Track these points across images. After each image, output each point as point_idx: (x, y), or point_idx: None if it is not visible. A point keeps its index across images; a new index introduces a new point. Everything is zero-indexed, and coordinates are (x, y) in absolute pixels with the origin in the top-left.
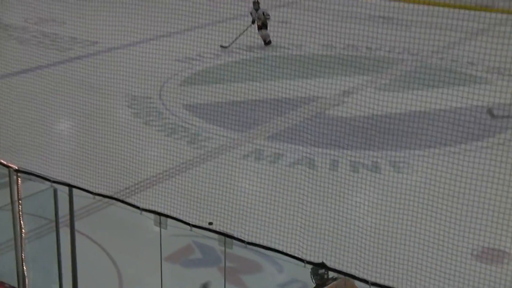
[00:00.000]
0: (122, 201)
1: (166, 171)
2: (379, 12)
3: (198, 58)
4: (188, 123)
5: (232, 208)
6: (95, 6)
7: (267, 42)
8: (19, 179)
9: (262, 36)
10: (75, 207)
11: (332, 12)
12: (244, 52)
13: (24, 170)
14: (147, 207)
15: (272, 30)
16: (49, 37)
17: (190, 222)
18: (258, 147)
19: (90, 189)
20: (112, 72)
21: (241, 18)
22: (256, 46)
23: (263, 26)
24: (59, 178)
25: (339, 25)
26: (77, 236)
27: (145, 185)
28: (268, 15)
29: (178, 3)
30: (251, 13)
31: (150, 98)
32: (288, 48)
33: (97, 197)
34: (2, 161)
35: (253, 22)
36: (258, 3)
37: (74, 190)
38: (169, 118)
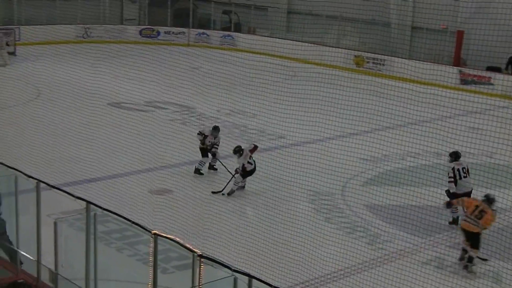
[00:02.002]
0: None
1: (342, 270)
2: None
3: (383, 158)
4: (368, 224)
5: None
6: (286, 101)
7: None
8: (202, 264)
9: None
10: None
11: None
12: (427, 157)
13: (207, 256)
14: None
15: (461, 136)
16: (240, 128)
17: None
18: (439, 255)
19: (269, 281)
20: (296, 166)
21: (424, 124)
22: (439, 153)
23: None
24: (239, 267)
25: None
26: None
27: (321, 281)
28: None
29: (371, 104)
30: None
31: (333, 195)
32: (477, 157)
33: None
34: (187, 245)
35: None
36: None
37: (253, 280)
38: (349, 217)
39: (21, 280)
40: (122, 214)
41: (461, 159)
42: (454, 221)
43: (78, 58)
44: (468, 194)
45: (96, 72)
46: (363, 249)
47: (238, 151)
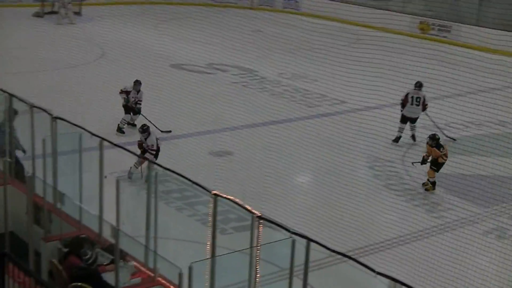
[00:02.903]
0: (357, 261)
1: (401, 236)
2: None
3: (446, 127)
4: (429, 191)
5: (468, 285)
6: (349, 66)
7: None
8: (260, 226)
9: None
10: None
11: None
12: (496, 127)
13: (266, 217)
14: (379, 270)
15: None
16: (300, 93)
17: None
18: (502, 225)
19: (326, 244)
20: (357, 132)
21: (493, 91)
22: (504, 121)
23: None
24: (297, 230)
25: None
26: None
27: (380, 247)
28: None
29: (435, 70)
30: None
31: (393, 162)
32: None
33: (332, 253)
34: (247, 206)
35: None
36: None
37: (312, 243)
38: (409, 184)
39: (84, 235)
40: (183, 175)
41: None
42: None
43: (142, 19)
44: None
45: (160, 33)
46: (422, 216)
47: (146, 130)
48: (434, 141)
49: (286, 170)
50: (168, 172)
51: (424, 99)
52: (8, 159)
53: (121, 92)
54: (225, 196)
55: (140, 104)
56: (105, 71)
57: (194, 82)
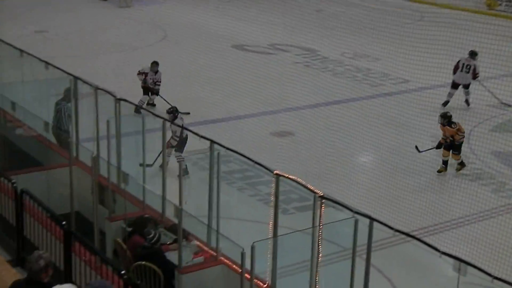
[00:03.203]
0: (422, 241)
1: (467, 216)
2: None
3: None
4: (496, 171)
5: None
6: (412, 45)
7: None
8: (323, 205)
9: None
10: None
11: None
12: None
13: (329, 197)
14: (445, 250)
15: None
16: (363, 72)
17: (491, 273)
18: None
19: (390, 223)
20: (421, 111)
21: None
22: None
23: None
24: (360, 209)
25: None
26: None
27: (445, 227)
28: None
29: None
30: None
31: None
32: None
33: (395, 232)
34: (309, 186)
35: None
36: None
37: (374, 223)
38: (475, 163)
39: (147, 215)
40: (245, 155)
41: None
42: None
43: (204, 0)
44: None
45: (221, 14)
46: (489, 195)
47: (171, 112)
48: (445, 119)
49: (348, 149)
50: (230, 152)
51: (475, 68)
52: (74, 140)
53: (139, 73)
54: (287, 176)
55: (159, 85)
56: (167, 53)
57: (256, 62)
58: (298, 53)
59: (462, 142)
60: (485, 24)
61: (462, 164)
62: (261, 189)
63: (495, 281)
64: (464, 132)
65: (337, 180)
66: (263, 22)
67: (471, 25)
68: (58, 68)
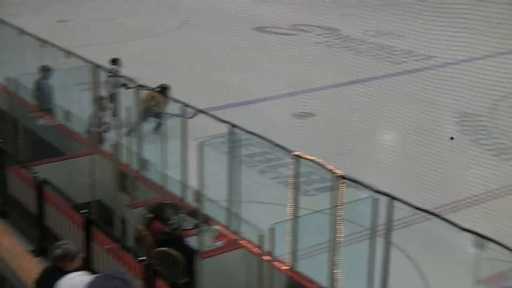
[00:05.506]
0: (442, 218)
1: (490, 191)
2: None
3: None
4: None
5: None
6: (434, 20)
7: None
8: (342, 185)
9: None
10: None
11: None
12: None
13: (348, 177)
14: (467, 226)
15: None
16: (386, 50)
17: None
18: None
19: (410, 201)
20: (445, 87)
21: None
22: None
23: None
24: (380, 188)
25: None
26: (392, 247)
27: (466, 203)
28: None
29: None
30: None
31: (482, 116)
32: None
33: (416, 210)
34: (328, 166)
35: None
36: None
37: (395, 201)
38: (499, 138)
39: (168, 201)
40: (265, 137)
41: None
42: None
43: None
44: None
45: None
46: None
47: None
48: None
49: (370, 128)
50: (250, 135)
51: None
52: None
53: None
54: (306, 156)
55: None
56: (188, 38)
57: (277, 44)
58: (320, 32)
59: None
60: None
61: None
62: (282, 171)
63: None
64: None
65: (358, 159)
66: (284, 3)
67: None
68: (78, 56)
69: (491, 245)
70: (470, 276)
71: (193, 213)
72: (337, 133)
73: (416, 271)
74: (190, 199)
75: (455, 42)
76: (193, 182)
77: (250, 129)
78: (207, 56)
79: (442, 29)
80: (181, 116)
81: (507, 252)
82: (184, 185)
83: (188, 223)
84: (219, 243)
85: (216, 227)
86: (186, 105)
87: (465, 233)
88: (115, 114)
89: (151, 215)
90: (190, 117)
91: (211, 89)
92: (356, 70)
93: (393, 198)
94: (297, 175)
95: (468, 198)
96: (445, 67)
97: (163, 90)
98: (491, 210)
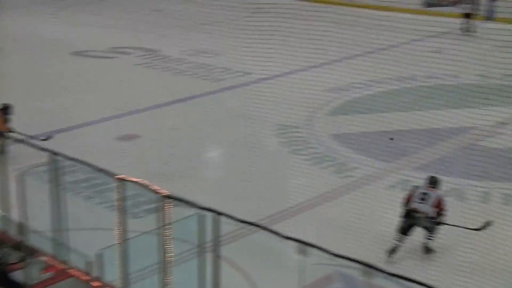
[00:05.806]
0: (266, 229)
1: (310, 199)
2: None
3: (347, 88)
4: (335, 153)
5: (375, 238)
6: (249, 37)
7: None
8: (168, 205)
9: None
10: (221, 232)
11: (489, 42)
12: (395, 82)
13: (174, 196)
14: (291, 234)
15: (426, 59)
16: (204, 68)
17: (333, 252)
18: (405, 177)
19: (235, 215)
20: (263, 102)
21: (390, 49)
22: (404, 77)
23: None
24: (209, 204)
25: (495, 54)
26: (222, 261)
27: (290, 213)
28: None
29: (328, 34)
30: None
31: (298, 127)
32: (443, 79)
33: (240, 223)
34: (153, 187)
35: None
36: None
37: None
38: (316, 148)
39: None
40: (88, 162)
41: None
42: None
43: (36, 8)
44: None
45: (55, 21)
46: (331, 177)
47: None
48: None
49: (195, 146)
50: (74, 162)
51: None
52: None
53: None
54: (130, 179)
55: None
56: (1, 66)
57: (96, 67)
58: (139, 54)
59: None
60: (315, 11)
61: None
62: (110, 196)
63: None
64: None
65: (185, 178)
66: (101, 26)
67: (301, 13)
68: None
69: (314, 250)
70: (297, 283)
71: (18, 246)
72: (162, 153)
73: (246, 282)
74: (13, 232)
75: (267, 58)
76: (15, 214)
77: (74, 155)
78: (24, 84)
79: (254, 45)
80: (32, 138)
81: (328, 255)
82: (6, 218)
83: (13, 257)
84: (47, 274)
85: (43, 258)
86: (10, 131)
87: (290, 241)
88: None
89: None
90: (44, 140)
91: (29, 117)
92: (176, 89)
93: (219, 213)
94: (123, 198)
95: (291, 207)
96: (261, 83)
97: (4, 109)
98: (313, 217)
